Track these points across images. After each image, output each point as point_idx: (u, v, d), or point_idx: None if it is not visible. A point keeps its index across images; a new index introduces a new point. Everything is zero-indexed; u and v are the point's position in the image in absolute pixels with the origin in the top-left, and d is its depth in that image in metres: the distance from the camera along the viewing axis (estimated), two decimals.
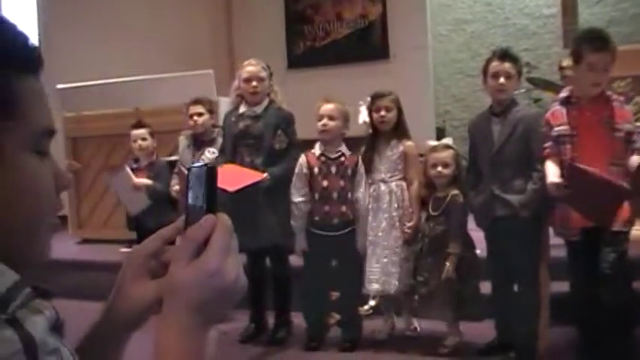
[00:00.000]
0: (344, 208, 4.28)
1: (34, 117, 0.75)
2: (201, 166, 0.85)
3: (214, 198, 0.83)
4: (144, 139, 5.30)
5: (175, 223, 0.92)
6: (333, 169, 4.31)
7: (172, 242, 0.93)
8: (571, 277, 3.82)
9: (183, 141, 5.20)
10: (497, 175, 3.87)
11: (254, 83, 4.42)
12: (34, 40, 0.78)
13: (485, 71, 3.92)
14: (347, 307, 4.42)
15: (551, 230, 3.97)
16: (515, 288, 3.97)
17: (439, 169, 4.09)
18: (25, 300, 0.68)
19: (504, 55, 3.89)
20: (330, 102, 4.34)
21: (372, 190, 4.30)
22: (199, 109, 4.99)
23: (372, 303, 4.61)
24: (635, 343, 3.66)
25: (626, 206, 3.42)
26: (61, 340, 0.70)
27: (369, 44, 7.89)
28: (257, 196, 4.31)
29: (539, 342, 3.91)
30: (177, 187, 4.88)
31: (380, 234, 4.25)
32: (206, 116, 5.00)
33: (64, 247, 6.31)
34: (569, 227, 3.63)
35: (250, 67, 4.47)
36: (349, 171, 4.29)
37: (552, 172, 3.56)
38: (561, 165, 3.55)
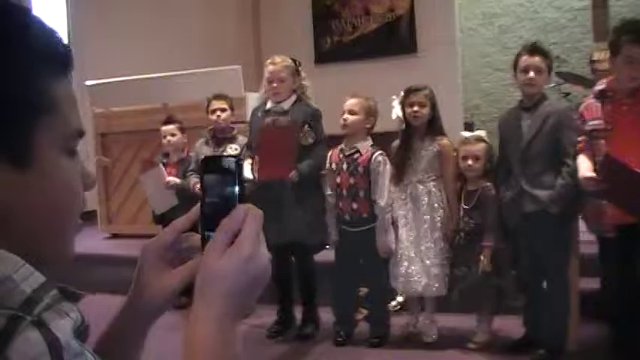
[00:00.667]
0: (355, 205, 4.25)
1: (68, 119, 0.77)
2: (231, 157, 0.86)
3: (243, 189, 0.86)
4: (173, 134, 5.31)
5: (188, 214, 0.95)
6: (345, 166, 4.29)
7: (186, 232, 0.95)
8: (603, 273, 3.77)
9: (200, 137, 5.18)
10: (527, 170, 3.83)
11: (274, 84, 4.40)
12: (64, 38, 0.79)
13: (515, 65, 3.87)
14: (375, 303, 4.40)
15: (581, 226, 3.92)
16: (545, 284, 3.93)
17: (469, 162, 4.04)
18: (52, 302, 0.68)
19: (534, 49, 3.84)
20: (355, 96, 4.30)
21: (409, 191, 4.21)
22: (223, 104, 5.00)
23: (399, 299, 4.58)
24: None
25: None
26: (84, 344, 0.69)
27: (397, 39, 7.84)
28: (283, 192, 4.31)
29: (569, 339, 3.87)
30: (199, 185, 4.85)
31: (421, 235, 4.16)
32: (228, 112, 5.01)
33: (94, 242, 6.37)
34: (604, 223, 3.58)
35: (271, 67, 4.43)
36: (360, 168, 4.24)
37: (585, 167, 3.50)
38: (594, 160, 3.49)
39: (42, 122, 0.74)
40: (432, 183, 4.19)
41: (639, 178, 3.20)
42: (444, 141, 4.21)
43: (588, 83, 4.73)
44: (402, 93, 4.30)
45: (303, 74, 4.56)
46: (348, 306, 4.44)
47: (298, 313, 4.61)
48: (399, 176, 4.22)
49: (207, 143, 5.03)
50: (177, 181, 5.15)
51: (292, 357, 4.29)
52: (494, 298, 4.05)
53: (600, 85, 3.65)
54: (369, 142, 4.32)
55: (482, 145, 4.07)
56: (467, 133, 4.25)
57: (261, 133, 4.32)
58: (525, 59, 3.81)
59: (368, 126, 4.30)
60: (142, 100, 6.43)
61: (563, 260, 3.84)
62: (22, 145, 0.72)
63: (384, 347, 4.24)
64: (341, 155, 4.32)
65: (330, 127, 4.48)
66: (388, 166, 4.22)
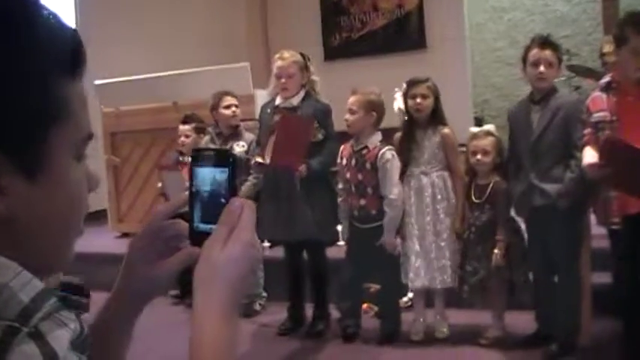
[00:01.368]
0: (363, 202, 4.23)
1: (79, 123, 0.74)
2: (224, 151, 0.89)
3: (236, 183, 0.88)
4: (187, 136, 5.28)
5: (173, 201, 0.97)
6: (353, 162, 4.27)
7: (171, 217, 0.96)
8: (614, 267, 3.75)
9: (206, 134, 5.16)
10: (536, 163, 3.80)
11: (282, 80, 4.38)
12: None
13: (524, 59, 3.84)
14: (386, 300, 4.39)
15: (592, 220, 3.90)
16: (556, 279, 3.91)
17: (479, 156, 4.02)
18: (50, 310, 0.66)
19: (544, 42, 3.81)
20: (354, 94, 4.26)
21: (412, 183, 4.20)
22: (235, 101, 4.99)
23: (410, 295, 4.57)
24: None
25: None
26: (82, 355, 0.68)
27: (406, 34, 7.81)
28: (294, 189, 4.30)
29: (581, 334, 3.85)
30: None
31: (425, 228, 4.15)
32: (239, 109, 5.00)
33: (104, 241, 6.38)
34: (611, 215, 3.56)
35: (280, 62, 4.40)
36: (368, 165, 4.21)
37: (589, 156, 3.48)
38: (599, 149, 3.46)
39: (55, 130, 0.70)
40: (435, 174, 4.17)
41: None
42: (445, 130, 4.19)
43: (599, 76, 4.68)
44: (405, 85, 4.28)
45: (312, 69, 4.54)
46: (356, 301, 4.42)
47: (309, 310, 4.61)
48: (402, 168, 4.20)
49: (212, 140, 5.01)
50: None
51: (303, 354, 4.28)
52: (507, 292, 4.03)
53: (606, 78, 3.63)
54: (378, 137, 4.28)
55: (491, 139, 4.05)
56: (475, 129, 4.23)
57: (281, 120, 4.30)
58: (535, 53, 3.78)
59: (371, 121, 4.23)
60: (151, 98, 6.44)
61: (574, 254, 3.82)
62: (34, 155, 0.69)
63: (395, 344, 4.22)
64: (351, 151, 4.30)
65: (340, 123, 4.46)
66: (397, 162, 4.18)
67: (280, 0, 8.30)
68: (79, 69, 0.75)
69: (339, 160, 4.35)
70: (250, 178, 4.71)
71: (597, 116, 3.53)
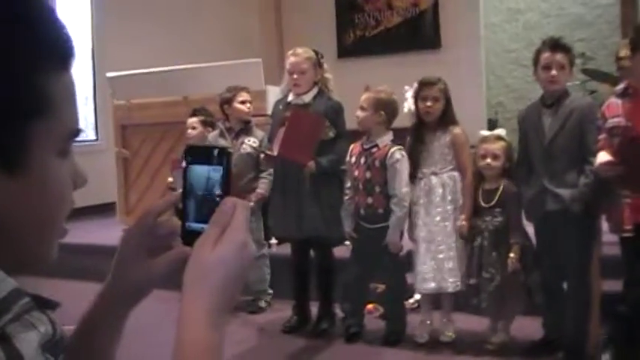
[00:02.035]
0: (370, 200, 4.19)
1: (64, 118, 0.72)
2: (218, 148, 0.85)
3: (230, 181, 0.85)
4: (193, 127, 5.28)
5: (165, 197, 0.95)
6: (362, 160, 4.23)
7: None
8: (625, 275, 3.69)
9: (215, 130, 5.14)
10: (549, 168, 3.75)
11: (295, 76, 4.36)
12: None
13: (536, 62, 3.78)
14: (392, 301, 4.35)
15: (605, 227, 3.85)
16: (565, 285, 3.86)
17: (488, 160, 3.97)
18: (20, 312, 0.63)
19: (556, 45, 3.75)
20: (366, 91, 4.24)
21: (422, 184, 4.15)
22: (249, 97, 4.97)
23: (417, 296, 4.53)
24: None
25: None
26: (53, 358, 0.65)
27: (420, 34, 7.80)
28: (303, 187, 4.29)
29: (589, 342, 3.80)
30: None
31: (434, 229, 4.10)
32: (252, 105, 4.98)
33: (112, 234, 6.34)
34: (622, 222, 3.51)
35: (292, 59, 4.39)
36: (377, 163, 4.16)
37: (602, 156, 3.42)
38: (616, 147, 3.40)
39: (36, 125, 0.68)
40: (446, 175, 4.13)
41: None
42: (456, 130, 4.14)
43: (614, 81, 4.64)
44: (416, 85, 4.24)
45: (325, 66, 4.52)
46: (359, 301, 4.39)
47: (314, 308, 4.58)
48: (412, 171, 4.16)
49: (222, 135, 4.98)
50: None
51: (307, 353, 4.26)
52: (522, 297, 3.97)
53: (622, 84, 3.58)
54: (389, 136, 4.24)
55: (501, 143, 4.00)
56: (486, 132, 4.18)
57: (292, 114, 4.28)
58: (547, 56, 3.72)
59: (379, 120, 4.18)
60: (162, 92, 6.42)
61: (585, 261, 3.76)
62: (14, 150, 0.67)
63: (400, 345, 4.19)
64: (360, 149, 4.27)
65: (352, 122, 4.42)
66: (406, 163, 4.13)
67: None
68: (66, 62, 0.72)
69: (348, 158, 4.31)
70: (265, 174, 4.70)
71: (612, 122, 3.48)
